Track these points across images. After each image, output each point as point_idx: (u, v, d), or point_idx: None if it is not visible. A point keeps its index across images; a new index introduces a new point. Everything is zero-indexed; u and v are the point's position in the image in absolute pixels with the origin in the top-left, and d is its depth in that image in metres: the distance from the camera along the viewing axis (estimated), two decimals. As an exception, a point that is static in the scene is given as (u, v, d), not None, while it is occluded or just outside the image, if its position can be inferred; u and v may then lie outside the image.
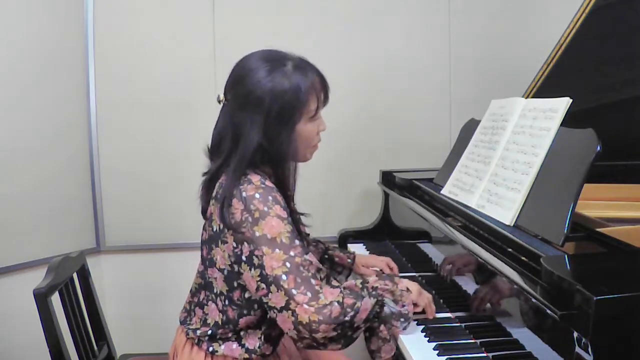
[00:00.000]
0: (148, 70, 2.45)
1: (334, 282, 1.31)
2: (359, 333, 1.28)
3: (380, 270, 1.83)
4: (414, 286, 1.40)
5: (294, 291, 1.20)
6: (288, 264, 1.22)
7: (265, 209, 1.26)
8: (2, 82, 2.16)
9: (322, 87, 1.37)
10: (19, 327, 2.17)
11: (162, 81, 2.46)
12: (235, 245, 1.30)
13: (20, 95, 2.21)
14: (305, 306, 1.19)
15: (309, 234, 1.69)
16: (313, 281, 1.22)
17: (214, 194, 1.38)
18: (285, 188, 1.39)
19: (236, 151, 1.34)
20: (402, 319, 1.33)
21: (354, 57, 2.51)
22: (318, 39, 2.48)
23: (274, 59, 1.35)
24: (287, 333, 1.25)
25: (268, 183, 1.31)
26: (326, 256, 1.79)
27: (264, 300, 1.25)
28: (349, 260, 1.81)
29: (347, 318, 1.21)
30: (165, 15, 2.44)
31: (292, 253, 1.24)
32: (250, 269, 1.27)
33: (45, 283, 1.52)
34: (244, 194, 1.28)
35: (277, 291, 1.22)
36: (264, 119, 1.30)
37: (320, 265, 1.31)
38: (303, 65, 1.35)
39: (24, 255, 2.23)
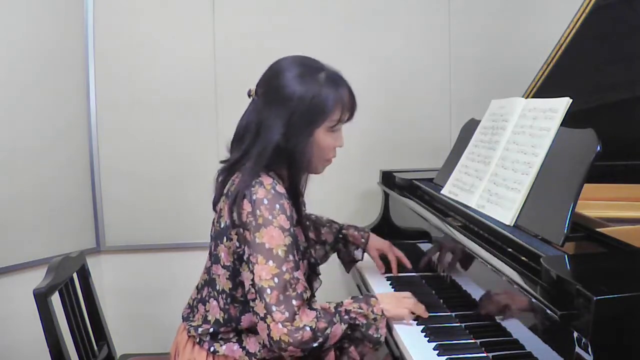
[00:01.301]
0: (148, 70, 2.45)
1: (314, 305, 1.35)
2: (327, 352, 1.34)
3: (385, 258, 1.84)
4: (390, 301, 1.42)
5: (273, 307, 1.25)
6: (276, 280, 1.26)
7: (270, 217, 1.29)
8: (2, 82, 2.16)
9: (350, 103, 1.42)
10: (19, 327, 2.17)
11: (162, 81, 2.46)
12: (238, 245, 1.34)
13: (20, 95, 2.21)
14: (280, 325, 1.25)
15: (315, 241, 1.71)
16: (294, 302, 1.27)
17: (225, 191, 1.41)
18: (296, 193, 1.42)
19: (257, 145, 1.37)
20: (373, 343, 1.35)
21: (354, 57, 2.51)
22: (318, 39, 2.47)
23: (311, 66, 1.40)
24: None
25: (279, 188, 1.34)
26: (340, 235, 1.80)
27: (251, 304, 1.30)
28: (363, 240, 1.82)
29: (316, 344, 1.27)
30: (165, 15, 2.45)
31: (284, 268, 1.27)
32: (247, 270, 1.31)
33: (45, 283, 1.52)
34: (254, 196, 1.31)
35: (260, 301, 1.27)
36: (287, 116, 1.35)
37: (306, 285, 1.34)
38: (336, 78, 1.41)
39: (24, 255, 2.23)
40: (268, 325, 1.26)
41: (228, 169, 1.43)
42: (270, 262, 1.27)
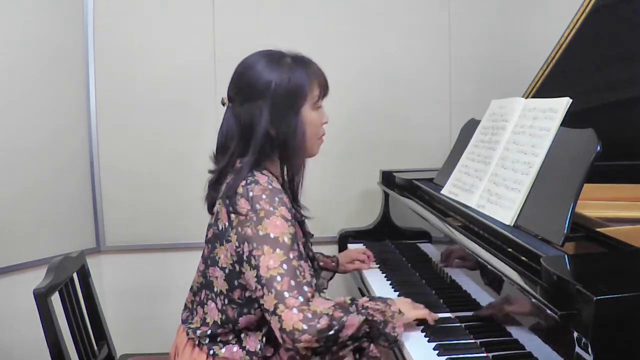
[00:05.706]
0: (148, 70, 2.45)
1: (326, 296, 1.30)
2: (345, 351, 1.25)
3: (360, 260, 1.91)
4: (405, 306, 1.38)
5: (286, 294, 1.19)
6: (285, 266, 1.22)
7: (271, 208, 1.28)
8: (2, 82, 2.16)
9: (322, 76, 1.43)
10: (19, 327, 2.17)
11: (162, 81, 2.46)
12: (237, 244, 1.31)
13: (21, 95, 2.21)
14: (295, 310, 1.17)
15: (313, 235, 1.69)
16: (306, 288, 1.21)
17: (221, 194, 1.38)
18: (293, 187, 1.43)
19: (246, 145, 1.36)
20: (390, 342, 1.30)
21: (354, 57, 2.51)
22: (318, 39, 2.48)
23: (273, 54, 1.42)
24: None
25: (275, 184, 1.33)
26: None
27: (260, 301, 1.25)
28: (333, 264, 1.86)
29: (331, 332, 1.19)
30: (165, 15, 2.45)
31: (291, 255, 1.24)
32: (250, 269, 1.27)
33: (45, 283, 1.52)
34: (250, 193, 1.30)
35: (269, 293, 1.21)
36: (270, 104, 1.35)
37: (312, 276, 1.28)
38: (301, 58, 1.42)
39: (24, 255, 2.23)
40: (279, 317, 1.17)
41: (217, 178, 1.41)
42: (278, 250, 1.23)
